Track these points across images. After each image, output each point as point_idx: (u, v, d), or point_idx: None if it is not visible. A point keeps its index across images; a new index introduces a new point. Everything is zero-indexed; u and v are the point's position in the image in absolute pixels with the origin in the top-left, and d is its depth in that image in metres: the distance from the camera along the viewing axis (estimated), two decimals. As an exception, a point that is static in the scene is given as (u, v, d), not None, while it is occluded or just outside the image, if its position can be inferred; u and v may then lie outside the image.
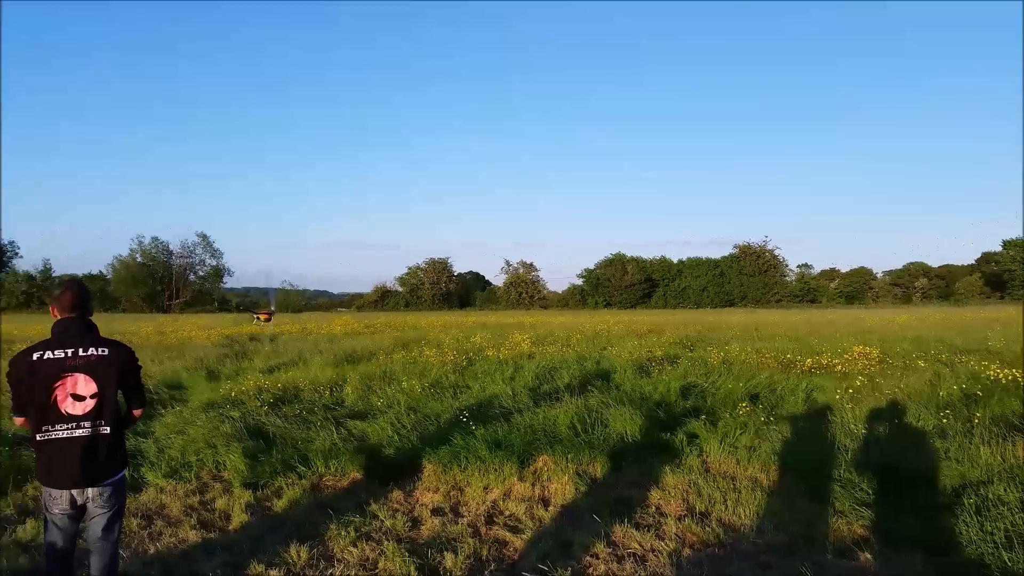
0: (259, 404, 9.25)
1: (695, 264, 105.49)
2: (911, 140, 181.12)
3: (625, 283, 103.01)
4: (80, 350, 3.41)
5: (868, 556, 4.35)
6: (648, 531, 4.91)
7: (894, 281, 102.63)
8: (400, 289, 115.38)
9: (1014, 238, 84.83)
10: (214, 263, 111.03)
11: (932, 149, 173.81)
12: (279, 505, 5.73)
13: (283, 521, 5.33)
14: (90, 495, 3.44)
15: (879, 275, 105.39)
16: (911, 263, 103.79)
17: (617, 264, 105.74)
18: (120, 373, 3.47)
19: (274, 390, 10.17)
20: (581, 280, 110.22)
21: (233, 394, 9.89)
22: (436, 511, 5.53)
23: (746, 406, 8.20)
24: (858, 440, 6.80)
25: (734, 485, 5.85)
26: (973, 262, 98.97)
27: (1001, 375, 9.57)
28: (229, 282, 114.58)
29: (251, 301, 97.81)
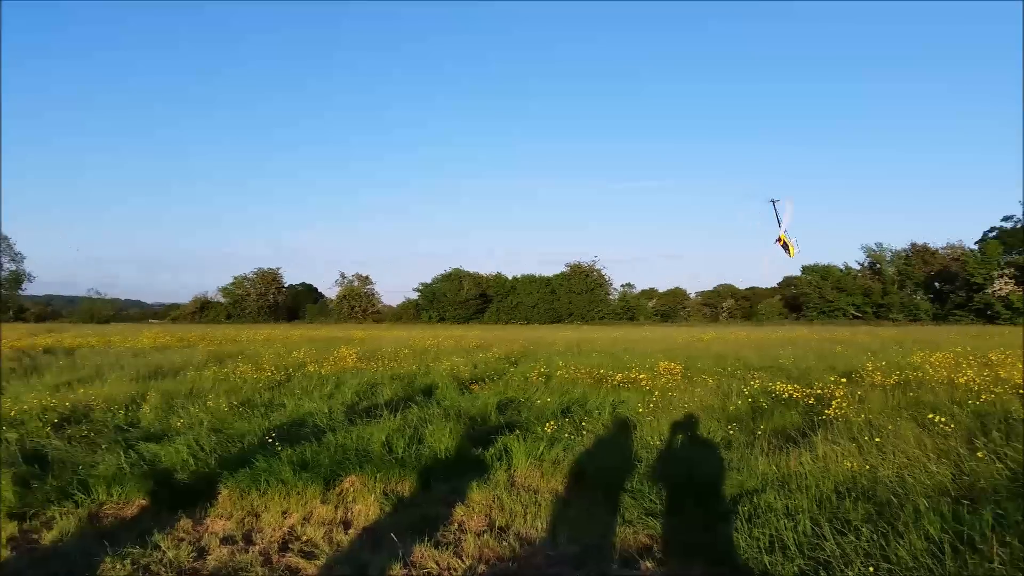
0: (42, 424, 8.41)
1: (528, 281, 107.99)
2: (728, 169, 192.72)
3: (461, 298, 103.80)
4: None
5: (649, 564, 4.61)
6: (447, 549, 4.93)
7: (705, 301, 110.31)
8: (223, 300, 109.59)
9: (813, 263, 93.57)
10: (13, 267, 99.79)
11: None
12: (48, 537, 5.21)
13: (50, 555, 4.86)
14: None
15: (692, 295, 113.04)
16: (721, 285, 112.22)
17: (454, 279, 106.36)
18: None
19: (61, 409, 9.31)
20: (417, 294, 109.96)
21: (13, 413, 8.94)
22: (226, 539, 5.25)
23: (556, 421, 8.48)
24: (653, 452, 7.21)
25: (536, 498, 6.00)
26: (775, 285, 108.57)
27: (785, 390, 10.51)
28: (29, 289, 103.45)
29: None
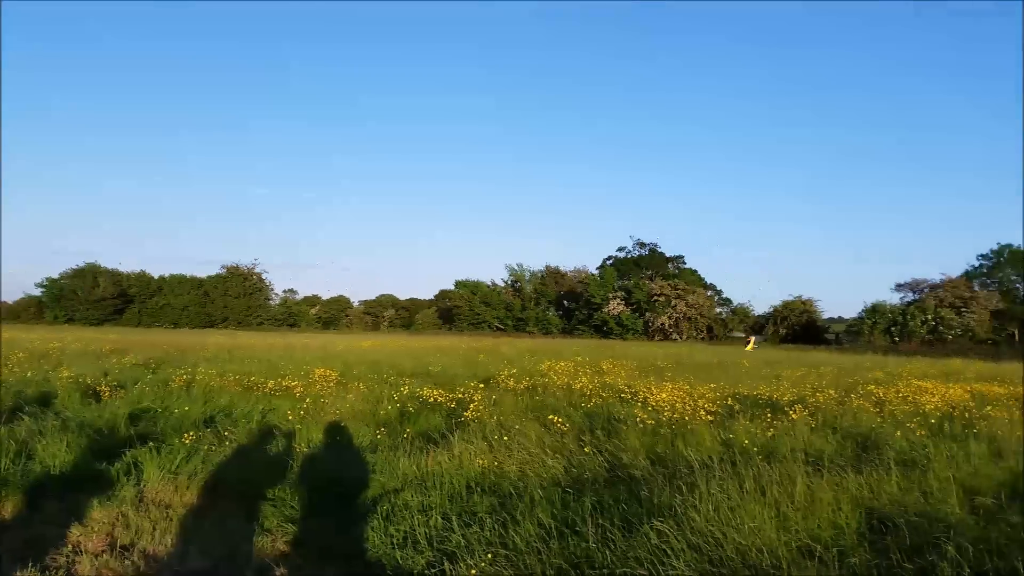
0: None
1: (178, 281, 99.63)
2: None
3: (95, 297, 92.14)
4: None
5: (283, 571, 4.61)
6: (57, 573, 4.43)
7: (367, 310, 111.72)
8: None
9: (465, 279, 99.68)
10: None
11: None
12: None
13: None
14: None
15: (356, 304, 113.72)
16: (383, 295, 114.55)
17: (87, 275, 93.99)
18: None
19: None
20: (40, 290, 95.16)
21: None
22: None
23: (197, 431, 8.04)
24: (300, 459, 7.18)
25: (168, 513, 5.63)
26: (432, 297, 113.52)
27: (432, 395, 11.15)
28: None
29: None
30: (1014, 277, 71.24)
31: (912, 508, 5.50)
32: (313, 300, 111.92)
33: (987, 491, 6.07)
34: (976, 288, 69.67)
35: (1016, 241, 74.39)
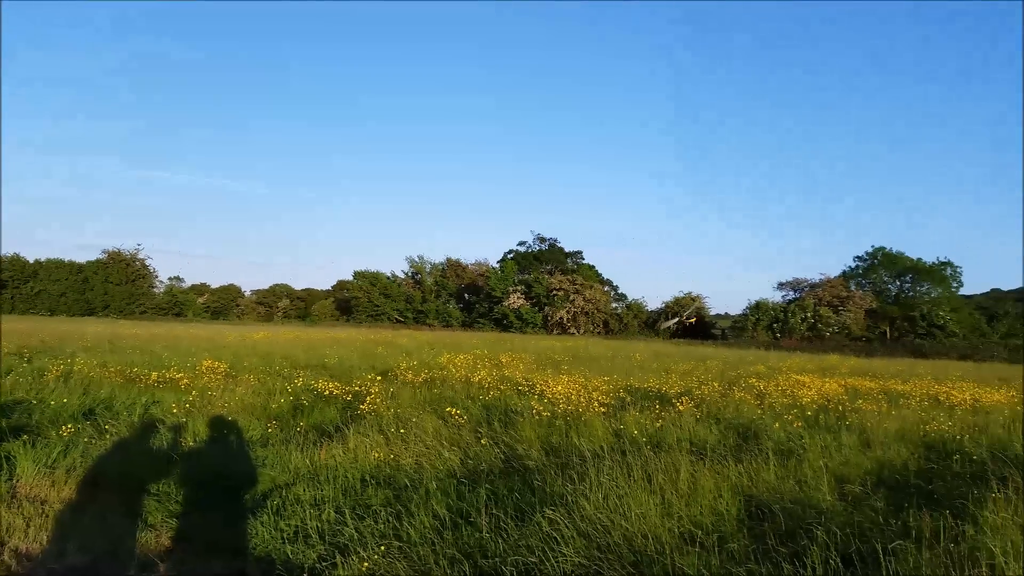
0: None
1: (55, 266, 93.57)
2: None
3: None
4: None
5: (167, 566, 4.48)
6: (-85, 577, 4.15)
7: (260, 300, 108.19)
8: None
9: (364, 270, 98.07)
10: None
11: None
12: None
13: None
14: None
15: (247, 293, 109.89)
16: (277, 284, 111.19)
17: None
18: None
19: None
20: None
21: None
22: None
23: (75, 424, 7.65)
24: (187, 453, 6.96)
25: (44, 509, 5.36)
26: (330, 288, 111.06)
27: (327, 388, 10.98)
28: None
29: None
30: (886, 278, 76.35)
31: (788, 495, 5.83)
32: (201, 288, 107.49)
33: (855, 479, 6.50)
34: (852, 288, 74.14)
35: (887, 244, 79.29)
